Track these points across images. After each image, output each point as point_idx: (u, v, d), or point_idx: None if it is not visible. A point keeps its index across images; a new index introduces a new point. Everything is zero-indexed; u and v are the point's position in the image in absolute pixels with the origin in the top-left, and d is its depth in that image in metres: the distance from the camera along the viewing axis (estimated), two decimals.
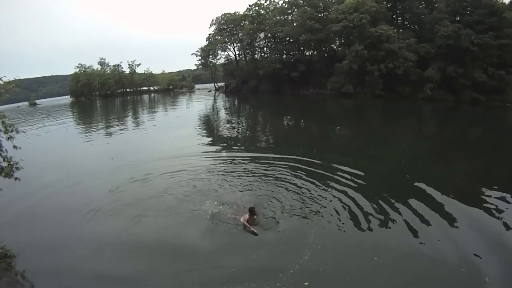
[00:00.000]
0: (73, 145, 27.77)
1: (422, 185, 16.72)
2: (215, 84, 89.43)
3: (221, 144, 24.52)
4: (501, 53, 47.38)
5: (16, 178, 9.16)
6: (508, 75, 44.51)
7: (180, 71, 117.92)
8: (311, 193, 14.37)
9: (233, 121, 39.17)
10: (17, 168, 9.11)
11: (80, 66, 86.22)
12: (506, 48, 45.99)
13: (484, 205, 13.97)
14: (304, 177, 16.45)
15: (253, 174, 16.91)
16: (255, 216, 11.23)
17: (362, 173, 17.39)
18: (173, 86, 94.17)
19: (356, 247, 10.44)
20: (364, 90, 55.02)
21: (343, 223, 11.96)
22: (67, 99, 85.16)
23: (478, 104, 47.68)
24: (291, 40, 68.58)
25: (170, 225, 11.70)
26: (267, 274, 8.92)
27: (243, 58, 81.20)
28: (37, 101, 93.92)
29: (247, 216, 11.11)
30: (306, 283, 8.50)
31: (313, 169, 17.71)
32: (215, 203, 12.97)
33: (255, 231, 10.53)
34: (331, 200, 13.79)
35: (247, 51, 78.96)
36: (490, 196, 14.83)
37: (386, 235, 11.42)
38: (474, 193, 15.50)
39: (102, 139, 29.70)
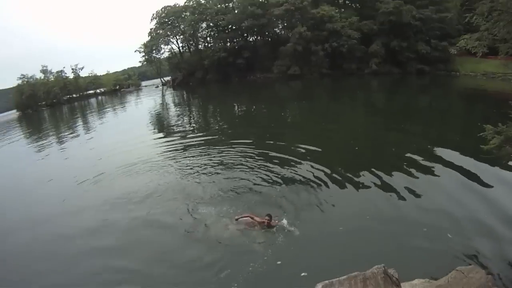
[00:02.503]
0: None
1: (378, 154, 17.66)
2: (162, 79, 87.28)
3: (178, 137, 24.19)
4: (442, 25, 50.50)
5: None
6: (451, 46, 47.07)
7: (125, 69, 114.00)
8: (274, 175, 14.50)
9: (184, 114, 38.72)
10: None
11: (22, 77, 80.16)
12: (447, 21, 48.46)
13: (440, 164, 14.88)
14: (264, 160, 16.64)
15: (217, 163, 16.80)
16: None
17: (319, 149, 17.90)
18: (119, 86, 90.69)
19: (323, 218, 10.73)
20: (310, 70, 56.28)
21: (313, 196, 12.26)
22: (13, 113, 79.78)
23: (423, 74, 50.81)
24: (234, 27, 68.40)
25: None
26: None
27: (187, 50, 79.66)
28: None
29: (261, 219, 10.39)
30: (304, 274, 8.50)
31: (272, 151, 17.89)
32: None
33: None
34: (295, 180, 13.98)
35: (191, 42, 77.59)
36: (441, 157, 15.80)
37: (349, 205, 11.82)
38: (428, 155, 16.27)
39: (56, 153, 26.09)
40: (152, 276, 8.77)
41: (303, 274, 8.08)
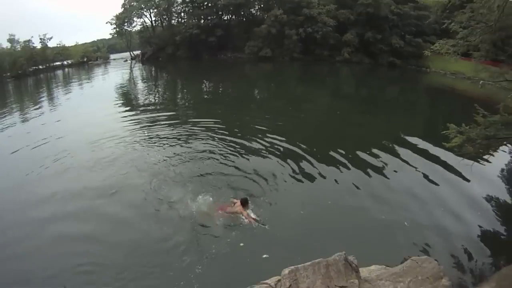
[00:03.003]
0: None
1: (343, 138, 18.44)
2: (131, 53, 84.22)
3: (145, 113, 23.99)
4: (419, 23, 52.01)
5: None
6: (425, 43, 48.45)
7: (95, 41, 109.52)
8: (239, 154, 14.85)
9: (152, 89, 38.18)
10: None
11: None
12: (424, 19, 49.63)
13: (403, 151, 15.90)
14: (229, 139, 16.88)
15: (183, 140, 16.83)
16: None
17: (285, 130, 18.49)
18: (87, 59, 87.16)
19: (287, 203, 11.02)
20: (282, 53, 56.49)
21: (277, 178, 12.60)
22: None
23: (394, 67, 52.22)
24: (210, 4, 67.08)
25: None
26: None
27: (159, 25, 77.19)
28: None
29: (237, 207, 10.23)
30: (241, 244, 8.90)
31: (237, 131, 18.39)
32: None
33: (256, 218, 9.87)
34: (259, 160, 14.39)
35: (164, 17, 75.16)
36: (404, 145, 16.85)
37: (312, 188, 12.31)
38: (392, 143, 17.12)
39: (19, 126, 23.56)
40: (114, 259, 8.63)
41: (264, 256, 8.37)
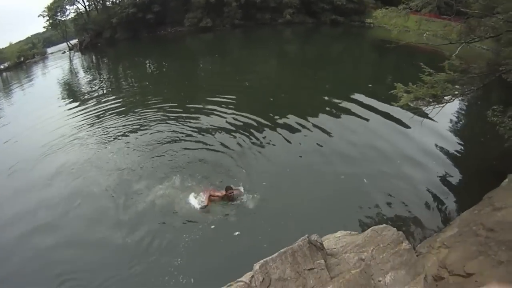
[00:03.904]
0: None
1: (295, 100, 19.18)
2: (68, 43, 79.92)
3: (92, 105, 23.36)
4: None
5: None
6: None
7: (29, 37, 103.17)
8: (199, 135, 15.04)
9: (95, 78, 36.68)
10: None
11: None
12: None
13: (355, 108, 16.87)
14: (185, 118, 17.12)
15: (137, 128, 16.75)
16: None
17: (238, 101, 19.06)
18: (24, 58, 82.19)
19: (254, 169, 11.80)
20: (223, 22, 56.09)
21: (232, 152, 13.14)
22: None
23: (338, 25, 52.70)
24: None
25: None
26: None
27: (94, 9, 73.49)
28: None
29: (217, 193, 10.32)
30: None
31: (190, 109, 18.61)
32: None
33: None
34: (221, 137, 14.70)
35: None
36: (356, 102, 17.73)
37: (270, 156, 12.86)
38: (342, 100, 18.09)
39: None
40: (96, 264, 8.70)
41: (236, 233, 8.90)
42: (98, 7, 72.92)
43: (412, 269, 5.58)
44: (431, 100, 10.69)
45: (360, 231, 7.38)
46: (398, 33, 10.90)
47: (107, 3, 72.07)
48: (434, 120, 12.84)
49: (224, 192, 10.16)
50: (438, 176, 11.63)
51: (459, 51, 10.77)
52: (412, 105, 11.00)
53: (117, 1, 70.10)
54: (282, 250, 5.64)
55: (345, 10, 53.10)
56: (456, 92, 11.02)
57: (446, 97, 10.68)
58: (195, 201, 10.18)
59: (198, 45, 50.51)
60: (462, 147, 13.88)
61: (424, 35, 11.43)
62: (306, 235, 5.88)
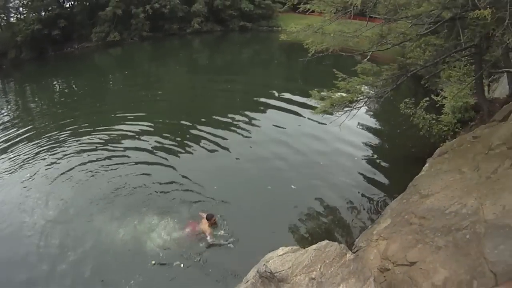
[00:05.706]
0: None
1: (211, 108, 20.66)
2: None
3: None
4: None
5: None
6: (274, 4, 53.60)
7: None
8: (123, 159, 15.25)
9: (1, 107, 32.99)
10: None
11: None
12: None
13: (271, 110, 18.99)
14: (103, 142, 17.24)
15: (57, 159, 15.96)
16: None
17: (143, 119, 19.77)
18: None
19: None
20: (131, 34, 56.24)
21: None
22: None
23: (246, 31, 55.53)
24: None
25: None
26: None
27: None
28: None
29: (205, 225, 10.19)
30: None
31: (103, 130, 18.70)
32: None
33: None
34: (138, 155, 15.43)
35: (2, 15, 66.20)
36: (269, 105, 19.77)
37: (194, 178, 13.30)
38: (251, 105, 20.00)
39: None
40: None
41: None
42: (2, 23, 68.40)
43: (361, 275, 5.75)
44: (347, 104, 11.06)
45: (298, 243, 8.43)
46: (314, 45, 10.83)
47: (12, 19, 67.07)
48: (353, 120, 13.06)
49: (207, 222, 10.17)
50: (362, 170, 12.64)
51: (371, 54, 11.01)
52: (329, 111, 11.27)
53: (22, 17, 65.74)
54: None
55: (253, 16, 56.80)
56: (371, 95, 11.45)
57: (361, 101, 11.11)
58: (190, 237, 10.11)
59: (107, 61, 50.11)
60: (381, 140, 15.30)
61: (331, 35, 11.07)
62: (256, 269, 6.19)
